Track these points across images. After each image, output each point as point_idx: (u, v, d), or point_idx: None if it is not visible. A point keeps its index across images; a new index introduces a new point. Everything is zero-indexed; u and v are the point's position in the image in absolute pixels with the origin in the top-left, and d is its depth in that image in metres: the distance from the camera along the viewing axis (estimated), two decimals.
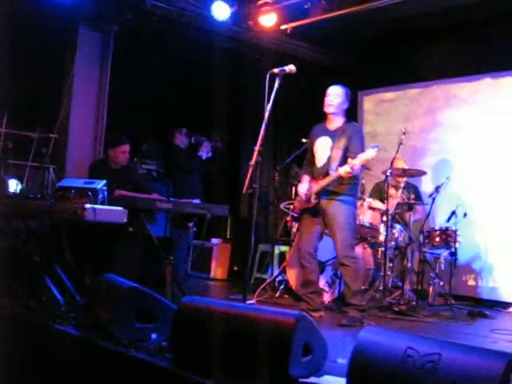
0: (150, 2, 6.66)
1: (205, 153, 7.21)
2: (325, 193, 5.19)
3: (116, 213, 4.46)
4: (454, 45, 7.42)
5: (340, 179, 5.05)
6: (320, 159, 5.33)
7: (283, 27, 7.19)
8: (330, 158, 5.20)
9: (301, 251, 5.33)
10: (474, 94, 7.51)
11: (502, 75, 7.23)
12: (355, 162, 4.87)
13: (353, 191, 5.28)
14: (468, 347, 2.16)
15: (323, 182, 5.15)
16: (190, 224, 5.65)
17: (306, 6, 6.68)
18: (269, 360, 2.52)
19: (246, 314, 2.78)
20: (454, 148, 7.60)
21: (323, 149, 5.31)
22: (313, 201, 5.23)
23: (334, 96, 5.25)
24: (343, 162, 5.07)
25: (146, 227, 5.16)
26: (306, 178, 5.41)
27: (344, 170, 4.92)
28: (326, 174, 5.15)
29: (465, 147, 7.50)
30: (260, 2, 6.94)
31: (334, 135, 5.26)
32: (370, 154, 4.87)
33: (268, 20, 7.03)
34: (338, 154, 5.14)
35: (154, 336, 3.36)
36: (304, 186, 5.33)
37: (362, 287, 5.82)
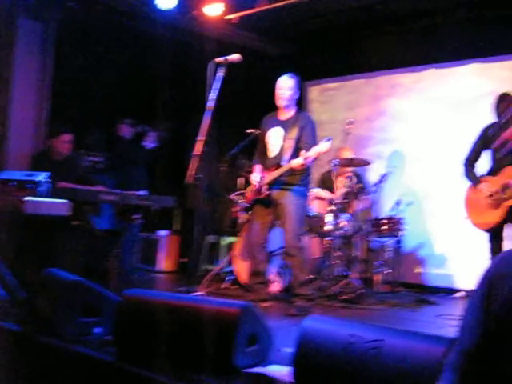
0: None
1: (150, 142, 7.13)
2: (277, 183, 5.19)
3: (58, 205, 4.36)
4: (398, 35, 7.50)
5: (292, 170, 5.05)
6: (272, 150, 5.31)
7: (229, 17, 7.14)
8: (282, 149, 5.19)
9: (251, 241, 5.34)
10: (417, 83, 7.61)
11: (445, 66, 7.35)
12: (309, 155, 4.87)
13: (305, 182, 5.29)
14: (410, 333, 2.19)
15: (275, 173, 5.14)
16: (136, 216, 5.56)
17: None
18: (213, 351, 2.49)
19: (189, 305, 2.75)
20: (399, 137, 7.71)
21: (275, 139, 5.30)
22: (264, 191, 5.22)
23: (286, 89, 5.23)
24: (295, 152, 5.07)
25: (91, 220, 5.06)
26: (258, 168, 5.40)
27: (297, 162, 4.93)
28: (278, 165, 5.14)
29: (409, 136, 7.60)
30: None
31: (285, 125, 5.25)
32: (323, 146, 4.88)
33: (213, 10, 6.97)
34: (290, 144, 5.13)
35: (97, 330, 3.30)
36: (256, 177, 5.32)
37: (310, 276, 5.85)
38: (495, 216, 4.71)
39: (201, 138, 3.89)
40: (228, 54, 4.30)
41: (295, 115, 5.28)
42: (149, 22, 7.24)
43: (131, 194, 5.41)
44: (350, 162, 6.46)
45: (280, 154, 5.19)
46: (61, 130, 5.89)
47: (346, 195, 6.47)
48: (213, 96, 4.00)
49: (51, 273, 3.66)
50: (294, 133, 5.14)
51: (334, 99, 8.45)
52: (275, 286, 6.02)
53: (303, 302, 5.07)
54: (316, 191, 6.43)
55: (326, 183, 6.70)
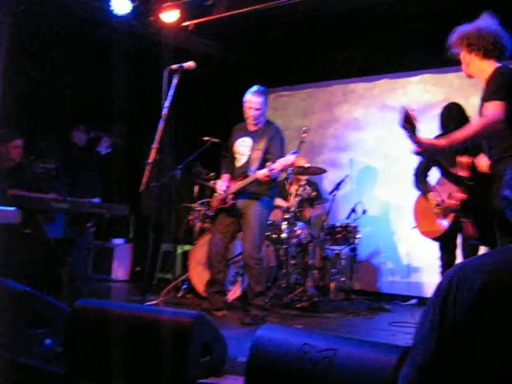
0: None
1: (104, 148, 7.05)
2: (242, 193, 5.17)
3: (8, 213, 4.26)
4: (352, 46, 7.57)
5: (258, 181, 5.03)
6: (240, 159, 5.30)
7: (185, 24, 7.11)
8: (249, 159, 5.19)
9: (212, 250, 5.27)
10: (370, 89, 7.72)
11: (398, 76, 7.47)
12: (274, 166, 4.87)
13: (271, 193, 5.28)
14: (363, 341, 2.19)
15: (241, 183, 5.13)
16: (89, 224, 5.47)
17: (208, 3, 6.64)
18: (167, 362, 2.46)
19: (142, 315, 2.71)
20: (352, 144, 7.79)
21: (244, 149, 5.28)
22: (229, 201, 5.20)
23: (255, 108, 5.17)
24: (263, 163, 5.06)
25: (42, 228, 4.96)
26: (225, 177, 5.39)
27: (262, 174, 4.92)
28: (245, 175, 5.14)
29: (363, 143, 7.69)
30: None
31: (254, 136, 5.24)
32: (289, 159, 4.90)
33: (170, 16, 6.94)
34: (257, 155, 5.13)
35: (47, 342, 3.22)
36: (222, 185, 5.30)
37: (266, 287, 5.85)
38: (443, 225, 4.78)
39: (154, 145, 3.85)
40: (184, 61, 4.26)
41: (264, 126, 5.27)
42: (105, 27, 7.16)
43: (84, 202, 5.32)
44: (304, 171, 6.49)
45: (247, 164, 5.18)
46: (11, 136, 5.75)
47: (301, 203, 6.49)
48: (167, 103, 3.96)
49: None
50: (262, 144, 5.14)
51: (287, 106, 8.48)
52: (230, 294, 5.99)
53: (258, 310, 5.06)
54: None
55: (281, 191, 6.70)
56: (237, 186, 5.17)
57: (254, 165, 5.10)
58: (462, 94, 6.79)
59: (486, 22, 3.21)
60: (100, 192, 6.95)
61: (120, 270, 7.86)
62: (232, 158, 5.40)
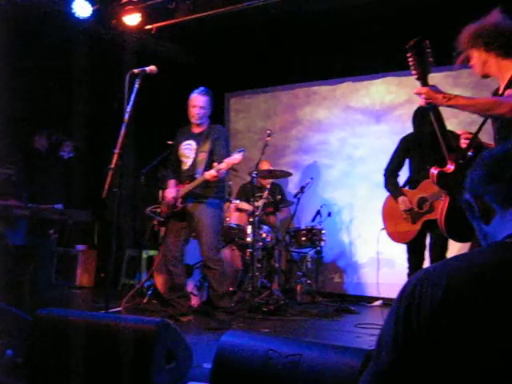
0: None
1: (66, 152, 6.95)
2: (191, 196, 5.17)
3: None
4: (316, 49, 7.57)
5: (206, 182, 5.04)
6: (186, 163, 5.30)
7: (148, 27, 7.06)
8: (195, 162, 5.19)
9: (167, 255, 5.26)
10: (333, 91, 7.75)
11: (361, 79, 7.52)
12: (221, 166, 4.90)
13: (219, 194, 5.29)
14: (327, 346, 2.19)
15: (189, 186, 5.12)
16: (51, 231, 5.38)
17: (170, 7, 6.61)
18: (131, 370, 2.43)
19: (106, 323, 2.67)
20: (315, 146, 7.80)
21: (188, 152, 5.29)
22: (179, 205, 5.19)
23: (199, 107, 5.21)
24: (209, 165, 5.08)
25: (3, 235, 4.85)
26: (171, 183, 5.37)
27: (210, 174, 4.93)
28: (193, 178, 5.13)
29: (326, 145, 7.71)
30: (123, 1, 6.78)
31: (198, 138, 5.25)
32: (235, 158, 4.92)
33: (132, 19, 6.89)
34: (203, 157, 5.14)
35: (9, 352, 3.15)
36: (170, 191, 5.28)
37: (231, 289, 5.83)
38: (412, 230, 4.81)
39: (116, 150, 3.80)
40: (146, 65, 4.22)
41: (208, 128, 5.29)
42: (66, 30, 7.07)
43: (46, 208, 5.23)
44: (269, 174, 6.49)
45: (193, 167, 5.19)
46: None
47: (266, 207, 6.49)
48: (129, 108, 3.92)
49: None
50: (207, 146, 5.16)
51: (250, 108, 8.48)
52: (196, 300, 5.97)
53: (224, 315, 5.04)
54: (236, 203, 6.42)
55: (246, 195, 6.70)
56: (185, 189, 5.16)
57: (200, 167, 5.12)
58: None
59: (499, 17, 2.99)
60: (62, 197, 6.84)
61: (84, 277, 7.75)
62: (177, 162, 5.40)
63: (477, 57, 3.04)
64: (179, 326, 4.56)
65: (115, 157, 3.78)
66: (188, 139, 5.32)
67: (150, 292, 6.30)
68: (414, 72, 3.15)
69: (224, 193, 5.50)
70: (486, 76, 3.08)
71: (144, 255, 7.19)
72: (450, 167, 3.20)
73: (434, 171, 3.29)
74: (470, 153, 3.18)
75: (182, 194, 5.18)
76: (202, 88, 5.31)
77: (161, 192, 6.73)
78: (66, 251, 7.74)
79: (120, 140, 3.86)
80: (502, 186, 1.27)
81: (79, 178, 7.62)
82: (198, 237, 5.20)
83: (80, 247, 7.87)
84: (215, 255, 5.14)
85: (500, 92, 3.00)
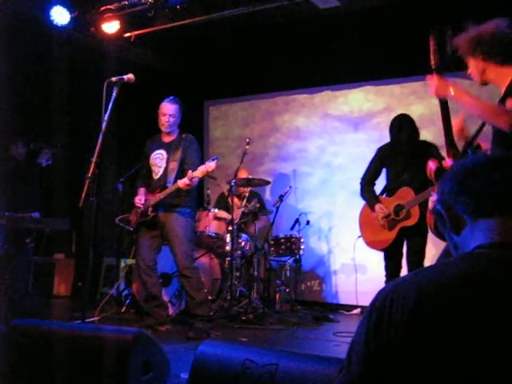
0: None
1: (44, 160, 6.88)
2: (162, 205, 5.16)
3: None
4: (295, 58, 7.59)
5: (178, 191, 5.05)
6: (156, 172, 5.30)
7: (127, 35, 7.04)
8: (166, 171, 5.20)
9: (140, 265, 5.23)
10: (312, 99, 7.77)
11: (340, 87, 7.56)
12: (195, 175, 4.90)
13: (190, 203, 5.29)
14: (305, 355, 2.18)
15: (161, 195, 5.12)
16: (28, 240, 5.33)
17: (149, 14, 6.59)
18: (107, 381, 2.40)
19: (81, 334, 2.64)
20: (294, 154, 7.81)
21: (159, 162, 5.30)
22: (150, 214, 5.18)
23: (169, 115, 5.22)
24: (180, 174, 5.10)
25: None
26: (142, 191, 5.38)
27: (183, 182, 4.94)
28: (164, 187, 5.13)
29: (304, 153, 7.72)
30: (102, 8, 6.75)
31: (169, 148, 5.26)
32: (209, 166, 4.93)
33: (110, 27, 6.86)
34: (174, 166, 5.16)
35: None
36: (140, 199, 5.29)
37: (210, 297, 5.81)
38: (388, 237, 4.84)
39: (94, 159, 3.77)
40: (125, 73, 4.21)
41: (178, 137, 5.30)
42: (44, 38, 7.02)
43: (23, 217, 5.19)
44: (247, 182, 6.49)
45: (164, 176, 5.19)
46: None
47: (245, 215, 6.49)
48: (106, 117, 3.90)
49: None
50: (178, 154, 5.17)
51: (228, 115, 8.46)
52: (174, 309, 5.92)
53: (202, 323, 5.01)
54: (214, 211, 6.41)
55: (225, 203, 6.69)
56: (156, 197, 5.15)
57: (172, 176, 5.13)
58: (403, 103, 6.95)
59: (498, 24, 2.97)
60: (40, 205, 6.77)
61: (61, 286, 7.67)
62: (148, 171, 5.41)
63: (474, 65, 3.03)
64: (157, 336, 4.56)
65: (92, 165, 3.76)
66: (158, 148, 5.33)
67: (128, 301, 6.24)
68: (432, 58, 3.10)
69: (195, 202, 5.48)
70: (484, 83, 3.07)
71: (122, 264, 7.12)
72: (449, 162, 3.15)
73: (432, 166, 3.27)
74: (469, 150, 3.19)
75: (153, 203, 5.17)
76: (171, 97, 5.33)
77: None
78: (43, 260, 7.65)
79: (97, 148, 3.83)
80: (471, 197, 1.29)
81: (57, 186, 7.55)
82: (170, 246, 5.17)
83: (57, 256, 7.79)
84: (190, 263, 5.15)
85: (500, 96, 2.96)
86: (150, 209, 5.17)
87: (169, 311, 5.56)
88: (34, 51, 7.10)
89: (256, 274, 6.41)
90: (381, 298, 1.18)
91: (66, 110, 7.33)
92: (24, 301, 6.07)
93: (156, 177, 5.28)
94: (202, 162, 5.07)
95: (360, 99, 7.45)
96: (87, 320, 4.46)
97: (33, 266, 7.41)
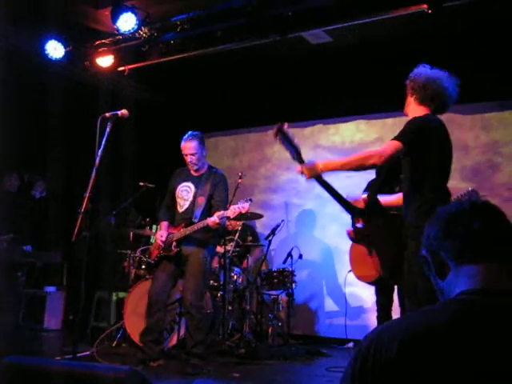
0: None
1: (38, 192, 6.89)
2: (187, 240, 5.09)
3: None
4: (289, 92, 7.66)
5: (205, 228, 4.96)
6: (182, 205, 5.23)
7: (120, 69, 7.11)
8: (193, 205, 5.13)
9: (152, 297, 5.13)
10: (302, 129, 7.78)
11: (332, 121, 7.61)
12: (227, 214, 4.84)
13: (214, 241, 5.26)
14: None
15: (187, 230, 5.03)
16: (19, 273, 5.30)
17: (143, 49, 6.67)
18: None
19: (75, 372, 2.60)
20: (284, 185, 7.80)
21: (186, 195, 5.22)
22: (173, 249, 5.10)
23: (191, 154, 5.16)
24: (207, 209, 5.05)
25: None
26: (164, 225, 5.29)
27: (213, 221, 4.86)
28: (190, 221, 5.06)
29: (295, 184, 7.68)
30: (97, 43, 6.84)
31: (198, 182, 5.21)
32: (243, 207, 4.85)
33: (105, 61, 6.93)
34: (202, 200, 5.09)
35: None
36: (162, 235, 5.18)
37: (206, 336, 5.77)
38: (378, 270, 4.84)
39: (87, 194, 3.78)
40: (118, 106, 4.24)
41: (208, 171, 5.25)
42: (39, 71, 7.08)
43: (14, 251, 5.17)
44: (240, 216, 6.46)
45: (191, 210, 5.12)
46: None
47: (237, 248, 6.48)
48: (100, 152, 3.92)
49: None
50: (207, 189, 5.11)
51: (217, 145, 8.44)
52: (166, 342, 5.85)
53: (197, 360, 4.96)
54: None
55: None
56: (182, 232, 5.06)
57: (199, 210, 5.06)
58: (395, 133, 6.94)
59: (438, 75, 3.46)
60: (33, 237, 6.76)
61: (52, 319, 7.57)
62: (171, 203, 5.33)
63: (407, 97, 3.57)
64: (150, 371, 4.54)
65: (85, 200, 3.76)
66: (186, 181, 5.27)
67: (119, 335, 6.18)
68: (289, 154, 3.60)
69: (218, 239, 5.44)
70: (406, 114, 3.59)
71: (114, 297, 7.07)
72: (359, 225, 3.76)
73: (348, 231, 3.94)
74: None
75: (177, 238, 5.09)
76: (188, 133, 5.26)
77: (132, 233, 6.68)
78: (34, 293, 7.58)
79: (90, 183, 3.84)
80: (456, 242, 1.33)
81: (50, 218, 7.54)
82: (184, 280, 5.12)
83: (48, 289, 7.71)
84: (199, 302, 5.07)
85: None
86: (174, 243, 5.10)
87: (162, 347, 5.43)
88: (29, 84, 7.15)
89: (248, 307, 6.38)
90: (365, 344, 1.20)
91: (61, 143, 7.35)
92: (14, 334, 6.02)
93: (181, 209, 5.21)
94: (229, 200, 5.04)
95: (351, 130, 7.47)
96: (79, 355, 4.42)
97: (24, 298, 7.36)
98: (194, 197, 5.15)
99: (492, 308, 1.20)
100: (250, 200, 4.95)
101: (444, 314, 1.20)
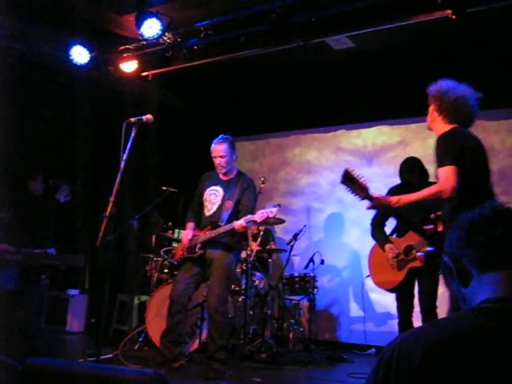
0: (7, 43, 6.42)
1: (63, 196, 6.94)
2: (212, 243, 5.07)
3: None
4: (311, 98, 7.64)
5: (232, 232, 4.95)
6: (209, 208, 5.21)
7: (144, 74, 7.17)
8: (221, 208, 5.11)
9: (173, 299, 5.09)
10: (324, 133, 7.75)
11: (354, 127, 7.57)
12: (254, 219, 4.81)
13: (239, 245, 5.25)
14: None
15: (212, 233, 5.02)
16: (43, 276, 5.35)
17: (167, 55, 6.71)
18: None
19: (98, 375, 2.62)
20: (304, 188, 7.74)
21: (214, 198, 5.21)
22: (198, 250, 5.08)
23: (221, 156, 5.15)
24: (234, 213, 5.04)
25: None
26: (190, 226, 5.29)
27: (240, 225, 4.85)
28: (216, 225, 5.04)
29: (315, 187, 7.65)
30: (121, 48, 6.90)
31: (226, 186, 5.19)
32: (271, 212, 4.81)
33: (129, 66, 6.99)
34: (230, 205, 5.08)
35: None
36: (187, 233, 5.18)
37: (229, 342, 5.79)
38: (398, 278, 4.83)
39: (112, 198, 3.81)
40: (141, 110, 4.29)
41: (236, 176, 5.25)
42: (65, 77, 7.17)
43: (38, 253, 5.22)
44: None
45: (218, 214, 5.10)
46: None
47: (260, 253, 6.48)
48: (125, 156, 3.96)
49: None
50: (235, 194, 5.10)
51: (237, 148, 8.33)
52: (188, 346, 5.88)
53: (219, 364, 4.94)
54: None
55: None
56: (207, 235, 5.05)
57: (226, 214, 5.04)
58: (419, 136, 6.85)
59: (464, 93, 3.45)
60: (55, 242, 6.81)
61: (75, 322, 7.65)
62: (199, 206, 5.32)
63: (431, 111, 3.56)
64: (173, 373, 4.55)
65: (110, 205, 3.79)
66: (215, 185, 5.26)
67: (141, 339, 6.22)
68: (357, 197, 3.53)
69: (243, 244, 5.43)
70: (430, 129, 3.60)
71: (136, 301, 7.13)
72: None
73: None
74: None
75: (203, 240, 5.08)
76: (220, 136, 5.26)
77: (155, 237, 6.71)
78: (57, 296, 7.67)
79: (115, 188, 3.88)
80: (477, 250, 1.32)
81: (75, 222, 7.62)
82: (209, 285, 5.08)
83: (71, 292, 7.79)
84: (222, 307, 5.03)
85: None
86: (199, 245, 5.07)
87: (182, 348, 5.43)
88: (54, 89, 7.24)
89: (269, 312, 6.39)
90: (388, 352, 1.20)
91: (86, 148, 7.43)
92: (37, 337, 6.07)
93: (208, 213, 5.19)
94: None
95: (374, 132, 7.41)
96: (101, 357, 4.45)
97: (47, 301, 7.43)
98: (222, 200, 5.14)
99: None
100: (279, 205, 4.92)
101: (468, 322, 1.20)
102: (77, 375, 2.66)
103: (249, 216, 4.85)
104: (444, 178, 3.23)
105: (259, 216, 4.80)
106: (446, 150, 3.29)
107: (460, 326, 1.19)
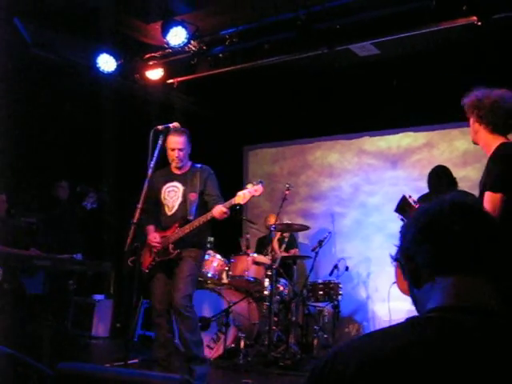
0: (35, 52, 6.53)
1: (89, 203, 7.01)
2: (183, 241, 4.69)
3: None
4: (336, 105, 7.61)
5: (198, 227, 4.62)
6: (170, 207, 4.83)
7: (170, 81, 7.24)
8: (184, 203, 4.76)
9: (157, 308, 4.75)
10: (348, 140, 7.68)
11: (379, 133, 7.53)
12: (237, 201, 4.46)
13: (205, 241, 5.02)
14: None
15: (185, 229, 4.64)
16: (70, 282, 5.41)
17: (192, 62, 6.77)
18: None
19: (127, 380, 2.66)
20: (326, 192, 7.65)
21: (174, 195, 4.85)
22: (173, 251, 4.68)
23: (182, 150, 4.78)
24: (201, 204, 4.75)
25: (22, 285, 4.91)
26: (151, 229, 4.83)
27: (219, 211, 4.48)
28: (184, 220, 4.69)
29: (337, 191, 7.55)
30: (147, 56, 6.98)
31: (184, 179, 4.84)
32: (257, 189, 4.49)
33: (154, 74, 7.07)
34: (194, 197, 4.74)
35: None
36: (155, 237, 4.74)
37: (248, 342, 5.79)
38: None
39: (139, 206, 3.85)
40: (167, 118, 4.33)
41: (192, 168, 4.90)
42: (92, 84, 7.27)
43: (65, 259, 5.29)
44: (287, 228, 6.49)
45: (183, 209, 4.74)
46: None
47: (284, 260, 6.49)
48: (152, 164, 4.00)
49: None
50: (197, 185, 4.76)
51: (257, 151, 8.37)
52: (212, 352, 5.91)
53: (203, 367, 4.65)
54: (253, 256, 6.41)
55: (264, 248, 6.70)
56: (179, 232, 4.67)
57: (193, 208, 4.71)
58: (445, 138, 6.76)
59: (501, 95, 3.21)
60: (81, 247, 6.89)
61: (100, 327, 7.71)
62: (155, 207, 4.88)
63: (471, 124, 3.30)
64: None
65: (138, 212, 3.83)
66: (171, 181, 4.88)
67: None
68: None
69: (207, 240, 5.22)
70: (475, 143, 3.34)
71: None
72: None
73: None
74: None
75: (175, 239, 4.70)
76: (177, 127, 4.70)
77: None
78: (83, 300, 7.74)
79: (143, 195, 3.92)
80: (431, 248, 1.19)
81: (101, 229, 7.71)
82: (175, 282, 4.67)
83: (97, 297, 7.87)
84: (188, 303, 4.64)
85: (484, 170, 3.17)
86: (171, 246, 4.69)
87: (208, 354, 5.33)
88: (83, 97, 7.35)
89: (294, 319, 6.39)
90: (321, 363, 1.12)
91: (113, 155, 7.51)
92: (64, 341, 6.15)
93: (170, 212, 4.81)
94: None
95: (398, 135, 7.32)
96: (129, 362, 4.47)
97: (73, 306, 7.53)
98: (184, 195, 4.79)
99: (459, 326, 1.08)
100: (261, 182, 4.56)
101: (408, 334, 1.09)
102: (107, 380, 2.70)
103: (229, 201, 4.52)
104: (491, 207, 3.00)
105: (242, 198, 4.45)
106: (502, 174, 3.07)
107: (398, 338, 1.08)
